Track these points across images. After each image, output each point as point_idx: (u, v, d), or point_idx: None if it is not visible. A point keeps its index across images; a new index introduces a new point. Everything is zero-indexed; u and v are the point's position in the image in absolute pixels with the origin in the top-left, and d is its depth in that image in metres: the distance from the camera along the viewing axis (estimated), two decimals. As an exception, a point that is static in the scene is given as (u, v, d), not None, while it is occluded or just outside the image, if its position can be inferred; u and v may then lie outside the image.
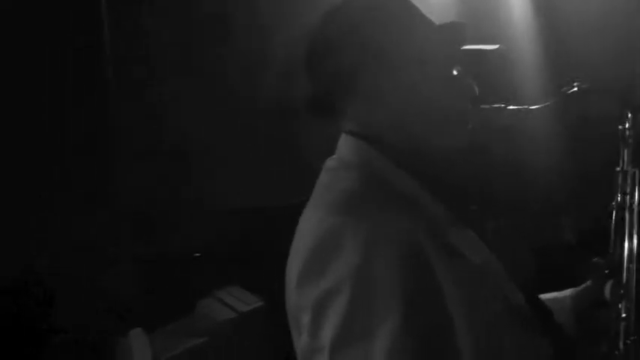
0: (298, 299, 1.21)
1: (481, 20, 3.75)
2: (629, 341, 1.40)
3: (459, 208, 1.32)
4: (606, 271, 1.45)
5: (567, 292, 1.52)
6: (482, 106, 1.42)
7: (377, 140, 1.31)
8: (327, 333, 1.14)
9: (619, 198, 1.50)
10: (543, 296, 1.50)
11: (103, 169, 3.80)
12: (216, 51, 3.74)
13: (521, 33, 3.88)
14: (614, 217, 1.49)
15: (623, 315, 1.40)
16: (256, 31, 3.74)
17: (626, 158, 1.50)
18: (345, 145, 1.34)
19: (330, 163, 1.36)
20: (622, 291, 1.42)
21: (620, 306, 1.42)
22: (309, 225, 1.24)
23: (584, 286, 1.50)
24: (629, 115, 1.49)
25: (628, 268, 1.44)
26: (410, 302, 1.13)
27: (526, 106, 1.49)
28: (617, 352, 1.39)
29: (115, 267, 3.70)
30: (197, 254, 3.82)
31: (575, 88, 1.51)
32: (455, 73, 1.35)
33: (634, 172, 1.50)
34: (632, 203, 1.49)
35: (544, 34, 3.86)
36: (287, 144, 3.64)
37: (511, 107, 1.48)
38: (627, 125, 1.50)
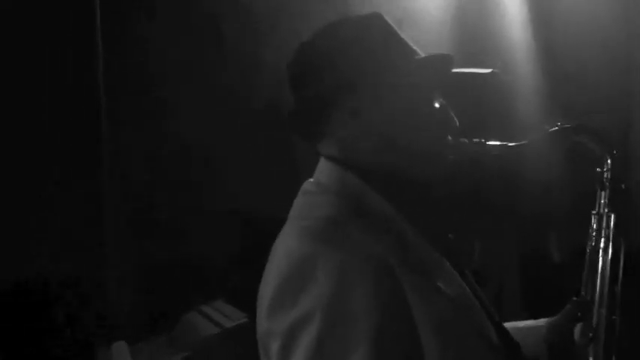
0: (269, 326, 1.21)
1: (478, 42, 3.75)
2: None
3: (436, 237, 1.32)
4: (578, 314, 1.45)
5: (542, 321, 1.51)
6: (462, 140, 1.42)
7: (355, 166, 1.31)
8: None
9: (593, 240, 1.50)
10: (519, 323, 1.51)
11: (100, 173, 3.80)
12: (211, 55, 3.74)
13: (520, 56, 3.88)
14: (587, 259, 1.49)
15: (591, 359, 1.41)
16: (250, 34, 3.75)
17: (602, 201, 1.51)
18: (324, 170, 1.35)
19: (307, 186, 1.37)
20: (591, 334, 1.42)
21: (589, 349, 1.42)
22: (283, 250, 1.25)
23: (556, 320, 1.49)
24: (608, 159, 1.50)
25: (599, 312, 1.45)
26: (381, 332, 1.12)
27: (505, 143, 1.49)
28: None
29: (107, 270, 3.69)
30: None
31: (557, 128, 1.52)
32: (437, 105, 1.36)
33: (609, 216, 1.51)
34: (606, 246, 1.50)
35: (543, 57, 3.86)
36: (285, 146, 3.62)
37: (490, 143, 1.49)
38: (605, 169, 1.50)
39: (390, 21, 1.37)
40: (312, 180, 1.37)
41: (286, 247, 1.25)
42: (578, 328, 1.44)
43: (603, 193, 1.51)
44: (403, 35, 1.37)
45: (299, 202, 1.35)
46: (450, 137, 1.36)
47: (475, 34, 3.79)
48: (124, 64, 3.67)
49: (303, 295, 1.15)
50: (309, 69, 1.34)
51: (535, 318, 1.54)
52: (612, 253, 1.49)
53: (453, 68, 1.38)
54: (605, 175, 1.50)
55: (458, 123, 1.37)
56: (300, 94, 1.36)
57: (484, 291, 1.42)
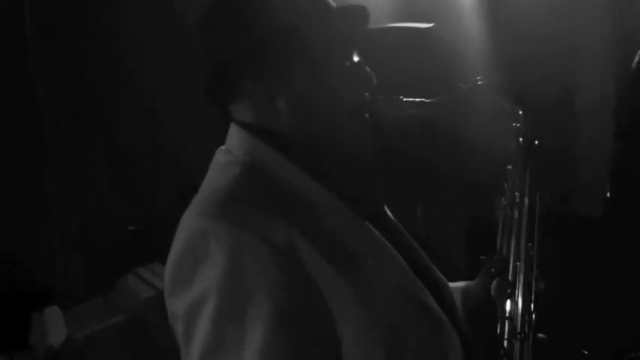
0: (170, 308, 1.19)
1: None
2: (514, 340, 1.42)
3: (363, 201, 1.29)
4: (493, 270, 1.46)
5: (460, 284, 1.52)
6: (379, 97, 1.39)
7: (268, 131, 1.26)
8: (197, 346, 1.12)
9: (509, 195, 1.51)
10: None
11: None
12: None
13: (465, 14, 3.86)
14: (502, 215, 1.50)
15: (507, 315, 1.42)
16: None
17: (517, 156, 1.51)
18: (234, 138, 1.29)
19: (217, 155, 1.31)
20: (509, 290, 1.44)
21: (505, 305, 1.43)
22: (180, 225, 1.20)
23: (473, 282, 1.50)
24: (522, 114, 1.50)
25: (514, 266, 1.46)
26: (279, 311, 1.10)
27: (422, 99, 1.48)
28: (502, 352, 1.41)
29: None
30: (132, 227, 3.73)
31: (471, 85, 1.51)
32: (355, 59, 1.31)
33: (525, 171, 1.51)
34: (522, 201, 1.51)
35: (487, 15, 3.85)
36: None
37: (407, 99, 1.46)
38: (519, 125, 1.50)
39: None
40: (222, 148, 1.32)
41: (182, 221, 1.20)
42: (494, 284, 1.45)
43: (518, 148, 1.51)
44: None
45: (208, 172, 1.30)
46: (366, 93, 1.32)
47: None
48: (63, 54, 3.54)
49: (197, 275, 1.13)
50: (226, 19, 1.26)
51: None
52: (528, 207, 1.50)
53: (368, 21, 1.34)
54: (520, 130, 1.51)
55: (375, 80, 1.33)
56: (222, 40, 1.27)
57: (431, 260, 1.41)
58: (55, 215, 3.66)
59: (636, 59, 2.28)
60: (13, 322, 2.93)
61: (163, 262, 1.22)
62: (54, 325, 2.89)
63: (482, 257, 1.48)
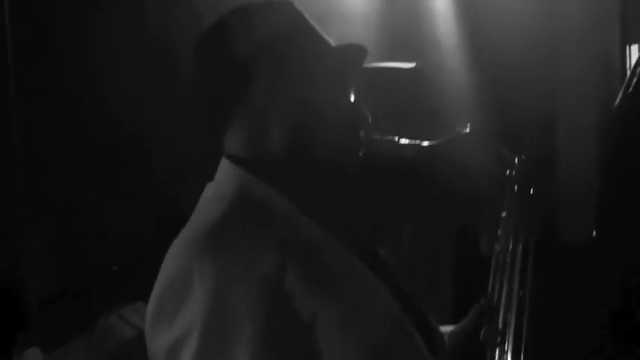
0: (150, 344, 1.17)
1: (403, 37, 3.75)
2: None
3: (348, 236, 1.27)
4: (482, 317, 1.44)
5: (449, 327, 1.50)
6: (375, 136, 1.39)
7: (262, 165, 1.25)
8: None
9: (502, 242, 1.50)
10: None
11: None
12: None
13: (446, 51, 3.90)
14: (494, 261, 1.49)
15: (496, 361, 1.40)
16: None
17: (510, 204, 1.51)
18: (224, 172, 1.28)
19: (206, 190, 1.30)
20: (498, 338, 1.42)
21: (495, 354, 1.41)
22: (167, 260, 1.19)
23: (461, 324, 1.48)
24: (516, 161, 1.50)
25: (505, 315, 1.44)
26: (265, 341, 1.08)
27: (418, 142, 1.48)
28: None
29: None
30: (115, 267, 3.69)
31: (468, 130, 1.51)
32: (351, 98, 1.32)
33: (520, 218, 1.51)
34: (515, 248, 1.50)
35: (468, 52, 3.89)
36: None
37: (403, 141, 1.46)
38: (513, 172, 1.50)
39: (301, 10, 1.33)
40: (213, 182, 1.31)
41: (167, 257, 1.20)
42: (484, 332, 1.43)
43: (512, 195, 1.51)
44: (316, 25, 1.32)
45: (198, 205, 1.29)
46: (361, 133, 1.32)
47: (401, 29, 3.79)
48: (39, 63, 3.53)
49: (180, 311, 1.11)
50: (223, 49, 1.27)
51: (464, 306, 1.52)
52: (521, 255, 1.49)
53: (365, 59, 1.35)
54: (514, 178, 1.51)
55: (371, 118, 1.34)
56: (209, 76, 1.28)
57: (413, 281, 1.40)
58: (32, 250, 3.62)
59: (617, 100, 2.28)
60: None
61: (146, 301, 1.21)
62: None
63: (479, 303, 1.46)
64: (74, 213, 3.68)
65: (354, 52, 1.33)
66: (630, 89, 1.95)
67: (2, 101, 3.32)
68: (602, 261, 2.47)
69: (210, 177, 1.33)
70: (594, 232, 2.17)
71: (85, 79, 3.41)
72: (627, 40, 3.88)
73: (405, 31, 3.81)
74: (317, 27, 1.32)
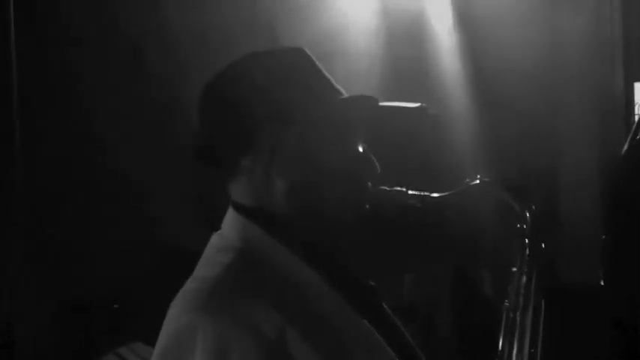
0: None
1: (407, 73, 3.76)
2: None
3: (351, 288, 1.26)
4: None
5: None
6: (382, 188, 1.37)
7: (262, 214, 1.23)
8: None
9: (512, 298, 1.47)
10: None
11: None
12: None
13: (450, 85, 3.91)
14: (505, 318, 1.45)
15: None
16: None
17: (521, 258, 1.48)
18: (229, 221, 1.27)
19: (212, 240, 1.29)
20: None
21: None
22: (171, 316, 1.19)
23: None
24: (528, 215, 1.47)
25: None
26: None
27: (426, 193, 1.45)
28: None
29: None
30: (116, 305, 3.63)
31: (477, 181, 1.48)
32: (360, 148, 1.30)
33: (531, 274, 1.47)
34: (526, 305, 1.46)
35: (472, 85, 3.90)
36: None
37: (412, 192, 1.44)
38: (525, 225, 1.47)
39: (313, 57, 1.31)
40: (219, 232, 1.29)
41: (171, 311, 1.19)
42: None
43: (522, 249, 1.48)
44: (326, 73, 1.30)
45: (203, 256, 1.28)
46: (369, 184, 1.31)
47: (405, 65, 3.79)
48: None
49: None
50: (228, 96, 1.25)
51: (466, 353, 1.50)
52: (532, 311, 1.46)
53: (376, 111, 1.33)
54: (525, 232, 1.47)
55: (379, 169, 1.31)
56: (214, 121, 1.27)
57: (414, 326, 1.37)
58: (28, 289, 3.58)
59: (625, 147, 2.25)
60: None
61: (146, 341, 1.21)
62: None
63: None
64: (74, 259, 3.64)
65: (366, 105, 1.31)
66: (638, 137, 1.92)
67: (7, 150, 3.33)
68: (609, 309, 2.44)
69: (214, 221, 1.31)
70: (601, 282, 2.15)
71: (86, 126, 3.43)
72: (632, 79, 3.89)
73: (409, 67, 3.82)
74: (328, 76, 1.30)
